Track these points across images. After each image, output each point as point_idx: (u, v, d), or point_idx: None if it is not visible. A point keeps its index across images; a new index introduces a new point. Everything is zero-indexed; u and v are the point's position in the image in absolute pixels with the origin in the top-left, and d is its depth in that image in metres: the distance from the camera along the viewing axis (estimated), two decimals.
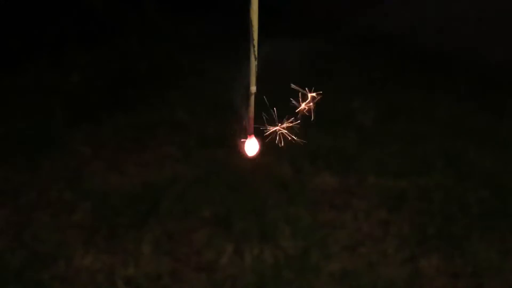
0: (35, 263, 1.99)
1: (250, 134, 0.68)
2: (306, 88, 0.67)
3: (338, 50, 4.09)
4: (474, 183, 2.49)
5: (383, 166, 2.62)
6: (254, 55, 0.64)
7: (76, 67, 3.66)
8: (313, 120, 0.67)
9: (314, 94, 0.68)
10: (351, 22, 4.44)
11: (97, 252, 2.05)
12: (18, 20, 3.79)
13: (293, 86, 0.67)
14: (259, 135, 0.68)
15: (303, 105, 0.68)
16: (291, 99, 0.67)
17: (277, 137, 0.69)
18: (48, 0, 3.83)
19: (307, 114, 0.68)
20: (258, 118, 0.67)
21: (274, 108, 0.68)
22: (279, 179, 2.50)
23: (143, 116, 3.11)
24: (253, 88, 0.66)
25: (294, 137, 0.69)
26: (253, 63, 0.65)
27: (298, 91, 0.67)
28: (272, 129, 0.68)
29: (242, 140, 0.68)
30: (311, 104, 0.68)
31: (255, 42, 0.64)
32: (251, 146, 0.68)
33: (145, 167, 2.62)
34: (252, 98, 0.67)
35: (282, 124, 0.69)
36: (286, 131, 0.69)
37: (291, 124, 0.68)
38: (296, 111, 0.68)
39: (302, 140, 0.69)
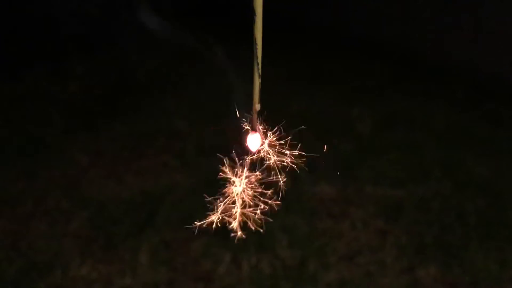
0: (32, 273, 1.98)
1: (253, 130, 0.66)
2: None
3: (335, 57, 4.10)
4: (471, 192, 2.49)
5: (380, 175, 2.62)
6: (258, 73, 0.62)
7: (74, 76, 3.66)
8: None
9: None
10: (347, 29, 4.45)
11: (94, 262, 2.04)
12: (17, 29, 3.80)
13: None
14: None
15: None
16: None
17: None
18: (47, 9, 3.84)
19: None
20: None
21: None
22: (276, 188, 2.49)
23: (141, 124, 3.11)
24: (257, 106, 0.64)
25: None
26: (257, 81, 0.63)
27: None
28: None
29: (246, 133, 0.67)
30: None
31: (259, 60, 0.61)
32: (254, 141, 0.67)
33: (143, 176, 2.62)
34: (256, 116, 0.65)
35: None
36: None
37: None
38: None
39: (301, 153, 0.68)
